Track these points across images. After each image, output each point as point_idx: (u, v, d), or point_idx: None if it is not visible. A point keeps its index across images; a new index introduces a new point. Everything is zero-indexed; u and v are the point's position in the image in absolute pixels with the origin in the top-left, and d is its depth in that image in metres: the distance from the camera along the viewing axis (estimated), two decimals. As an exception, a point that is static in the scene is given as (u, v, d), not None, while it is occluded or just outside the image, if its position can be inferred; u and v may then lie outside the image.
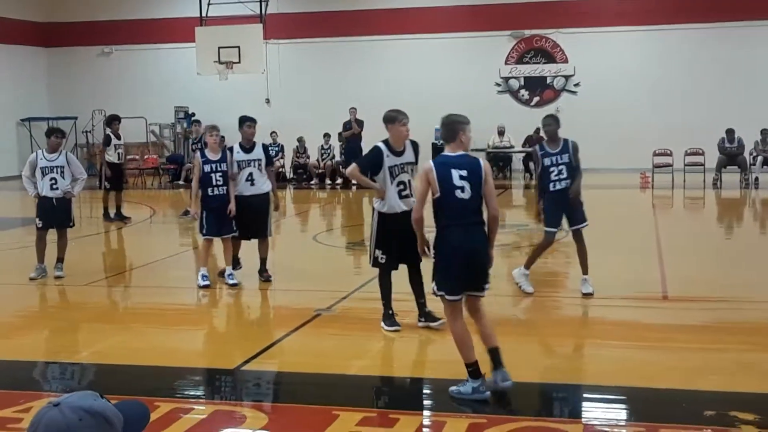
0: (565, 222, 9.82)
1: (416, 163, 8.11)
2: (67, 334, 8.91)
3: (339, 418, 5.90)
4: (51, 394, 6.77)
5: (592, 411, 6.26)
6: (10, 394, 6.78)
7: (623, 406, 6.29)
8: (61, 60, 30.85)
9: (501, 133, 25.58)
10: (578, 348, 7.87)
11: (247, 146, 10.55)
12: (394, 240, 7.80)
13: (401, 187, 7.93)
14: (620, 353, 7.58)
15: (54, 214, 11.17)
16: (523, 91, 27.94)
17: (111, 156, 17.40)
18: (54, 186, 11.05)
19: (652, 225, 15.90)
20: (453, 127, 6.39)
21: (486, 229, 6.37)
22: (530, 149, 25.36)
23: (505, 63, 27.95)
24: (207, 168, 10.38)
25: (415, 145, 8.13)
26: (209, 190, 10.38)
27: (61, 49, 30.77)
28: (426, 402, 6.57)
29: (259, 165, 10.51)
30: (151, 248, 14.67)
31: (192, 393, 6.97)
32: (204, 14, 24.65)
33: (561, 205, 9.55)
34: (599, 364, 7.33)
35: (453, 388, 6.34)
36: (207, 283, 10.42)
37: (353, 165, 8.02)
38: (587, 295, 9.48)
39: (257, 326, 9.49)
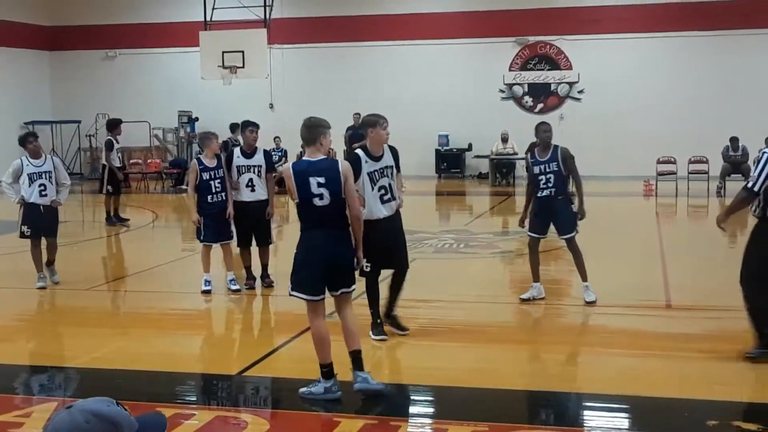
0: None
1: (397, 168, 8.09)
2: (68, 338, 8.90)
3: (340, 425, 5.88)
4: (52, 399, 6.77)
5: (594, 419, 6.24)
6: (11, 399, 6.78)
7: (625, 414, 6.26)
8: (64, 63, 30.88)
9: (504, 139, 25.56)
10: (580, 356, 7.84)
11: (248, 151, 10.50)
12: (378, 247, 7.63)
13: (383, 191, 7.87)
14: (623, 362, 7.55)
15: (42, 222, 10.87)
16: (527, 98, 27.93)
17: (115, 160, 17.48)
18: (44, 192, 10.76)
19: (656, 233, 15.87)
20: (314, 131, 6.34)
21: (350, 231, 6.41)
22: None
23: (509, 69, 27.94)
24: (206, 176, 10.33)
25: (393, 150, 8.07)
26: (209, 197, 10.35)
27: (65, 52, 30.81)
28: (427, 409, 6.54)
29: (259, 171, 10.43)
30: (153, 253, 14.64)
31: (193, 399, 6.96)
32: (208, 19, 24.68)
33: (546, 213, 9.56)
34: (601, 372, 7.30)
35: (303, 389, 6.41)
36: (209, 288, 10.41)
37: None
38: (590, 303, 9.45)
39: (258, 332, 9.48)
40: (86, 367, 7.62)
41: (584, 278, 9.63)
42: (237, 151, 10.59)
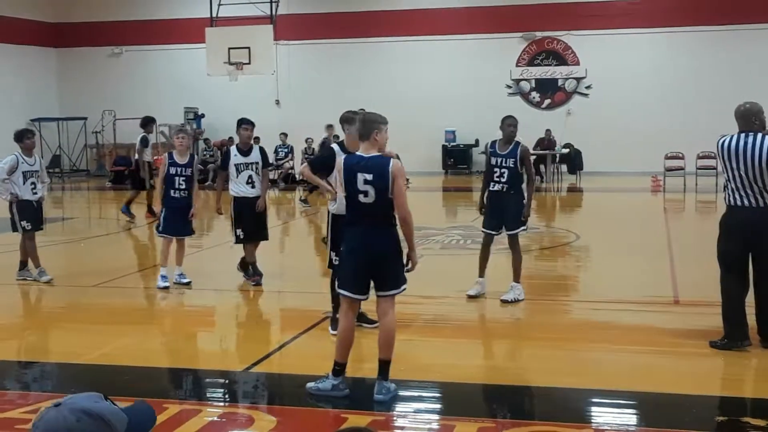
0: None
1: None
2: (75, 335, 8.89)
3: (347, 422, 5.86)
4: (59, 395, 6.75)
5: (602, 416, 6.21)
6: (19, 395, 6.78)
7: (633, 411, 6.23)
8: (71, 60, 30.93)
9: (511, 135, 25.49)
10: (588, 352, 7.81)
11: (245, 149, 10.64)
12: None
13: None
14: (631, 358, 7.52)
15: (37, 218, 11.16)
16: (534, 93, 27.88)
17: (147, 156, 17.70)
18: (34, 190, 10.98)
19: (664, 229, 15.82)
20: (368, 126, 6.21)
21: (399, 231, 6.25)
22: (543, 152, 25.36)
23: (516, 65, 27.90)
24: (172, 170, 10.56)
25: None
26: (172, 191, 10.58)
27: (71, 49, 30.86)
28: (435, 405, 6.52)
29: (257, 168, 10.58)
30: (158, 249, 14.62)
31: (200, 395, 6.94)
32: (214, 15, 24.67)
33: (496, 208, 9.51)
34: (610, 368, 7.27)
35: (310, 384, 6.38)
36: (167, 284, 10.54)
37: (305, 164, 7.87)
38: (504, 302, 9.41)
39: (266, 328, 9.47)
40: (94, 364, 7.61)
41: (517, 279, 9.57)
42: (234, 149, 10.74)
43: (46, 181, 11.43)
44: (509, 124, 9.47)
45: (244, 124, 10.65)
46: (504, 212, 9.44)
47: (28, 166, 10.91)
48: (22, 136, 11.06)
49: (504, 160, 9.35)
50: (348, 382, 6.40)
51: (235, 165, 10.51)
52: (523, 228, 9.57)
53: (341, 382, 6.32)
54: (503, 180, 9.36)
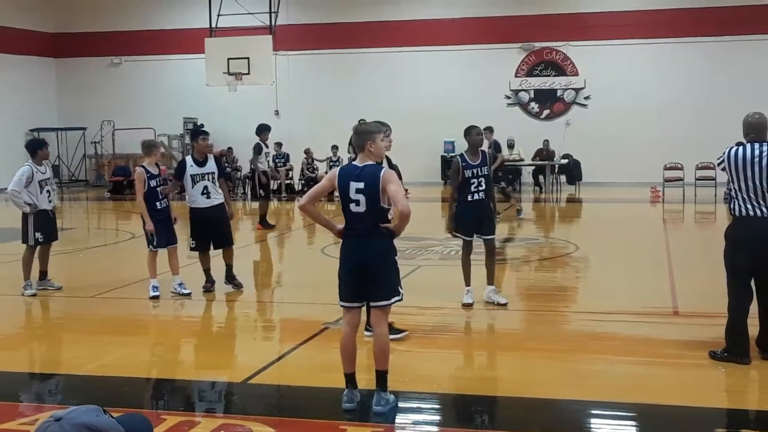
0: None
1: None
2: (73, 346, 8.88)
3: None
4: (56, 407, 6.72)
5: (601, 427, 6.20)
6: (16, 407, 6.76)
7: (632, 422, 6.22)
8: (70, 71, 30.97)
9: (511, 146, 25.49)
10: (587, 363, 7.80)
11: (200, 159, 10.74)
12: None
13: None
14: (630, 369, 7.50)
15: (53, 228, 11.17)
16: (533, 104, 27.93)
17: (262, 164, 17.46)
18: (50, 199, 11.00)
19: (663, 240, 15.81)
20: (362, 137, 6.29)
21: (393, 242, 6.32)
22: (542, 162, 25.37)
23: (515, 75, 27.95)
24: (153, 183, 10.64)
25: (388, 160, 8.14)
26: (156, 204, 10.67)
27: (70, 59, 30.91)
28: (433, 417, 6.50)
29: (213, 177, 10.71)
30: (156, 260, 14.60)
31: (199, 406, 6.92)
32: (214, 25, 24.73)
33: (475, 215, 9.68)
34: (608, 379, 7.25)
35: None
36: (158, 294, 10.65)
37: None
38: (502, 305, 9.69)
39: (265, 339, 9.45)
40: (92, 375, 7.60)
41: (491, 281, 9.84)
42: (189, 159, 10.84)
43: (54, 189, 11.44)
44: (477, 133, 9.73)
45: (203, 134, 10.83)
46: (483, 219, 9.70)
47: (41, 174, 10.90)
48: (41, 147, 11.03)
49: (479, 169, 9.62)
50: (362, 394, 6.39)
51: (191, 176, 10.64)
52: (495, 235, 9.99)
53: (345, 393, 6.32)
54: (482, 188, 9.63)
